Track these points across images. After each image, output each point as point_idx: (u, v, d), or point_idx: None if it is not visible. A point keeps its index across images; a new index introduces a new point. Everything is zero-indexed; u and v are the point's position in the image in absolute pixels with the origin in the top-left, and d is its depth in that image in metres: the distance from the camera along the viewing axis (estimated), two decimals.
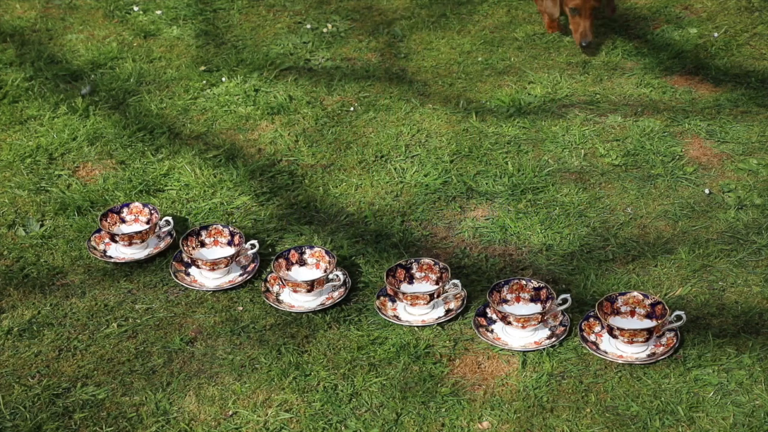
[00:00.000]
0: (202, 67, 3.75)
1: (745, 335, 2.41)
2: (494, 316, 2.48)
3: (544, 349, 2.39)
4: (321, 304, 2.55)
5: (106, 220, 2.82)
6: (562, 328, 2.44)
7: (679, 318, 2.40)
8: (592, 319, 2.45)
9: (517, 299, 2.52)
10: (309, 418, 2.24)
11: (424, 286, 2.60)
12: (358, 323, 2.52)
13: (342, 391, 2.31)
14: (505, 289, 2.51)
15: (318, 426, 2.22)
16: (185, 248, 2.69)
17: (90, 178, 3.14)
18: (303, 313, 2.54)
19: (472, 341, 2.44)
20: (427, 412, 2.25)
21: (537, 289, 2.51)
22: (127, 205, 2.87)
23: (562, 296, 2.48)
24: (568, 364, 2.36)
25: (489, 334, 2.44)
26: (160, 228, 2.80)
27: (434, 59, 3.78)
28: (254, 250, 2.71)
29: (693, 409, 2.22)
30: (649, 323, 2.42)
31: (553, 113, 3.38)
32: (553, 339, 2.41)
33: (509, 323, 2.41)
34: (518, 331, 2.42)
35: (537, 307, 2.49)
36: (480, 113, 3.40)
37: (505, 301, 2.51)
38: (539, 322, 2.41)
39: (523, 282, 2.52)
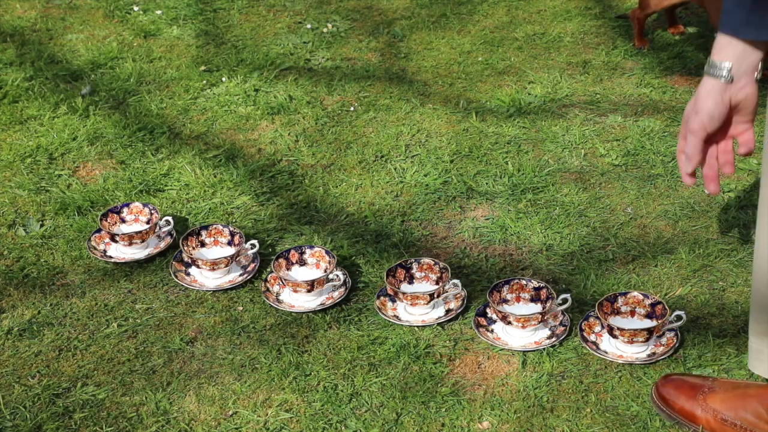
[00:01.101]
0: (202, 67, 3.75)
1: (745, 335, 2.41)
2: (494, 316, 2.48)
3: (544, 349, 2.39)
4: (321, 304, 2.55)
5: (107, 220, 2.82)
6: (562, 328, 2.44)
7: (679, 318, 2.40)
8: (592, 319, 2.45)
9: (517, 299, 2.52)
10: (309, 418, 2.24)
11: (424, 286, 2.60)
12: (358, 323, 2.52)
13: (342, 391, 2.31)
14: (505, 289, 2.51)
15: (318, 426, 2.22)
16: (185, 248, 2.68)
17: (90, 178, 3.14)
18: (303, 313, 2.54)
19: (472, 341, 2.44)
20: (427, 412, 2.24)
21: (537, 289, 2.51)
22: (127, 205, 2.86)
23: (562, 296, 2.48)
24: (568, 364, 2.36)
25: (489, 333, 2.44)
26: (160, 228, 2.80)
27: (434, 59, 3.78)
28: (254, 250, 2.71)
29: None
30: (649, 323, 2.42)
31: (553, 113, 3.38)
32: (553, 339, 2.41)
33: (509, 323, 2.41)
34: (518, 331, 2.42)
35: (537, 307, 2.49)
36: (480, 113, 3.40)
37: (505, 301, 2.51)
38: (539, 322, 2.41)
39: (523, 282, 2.52)
